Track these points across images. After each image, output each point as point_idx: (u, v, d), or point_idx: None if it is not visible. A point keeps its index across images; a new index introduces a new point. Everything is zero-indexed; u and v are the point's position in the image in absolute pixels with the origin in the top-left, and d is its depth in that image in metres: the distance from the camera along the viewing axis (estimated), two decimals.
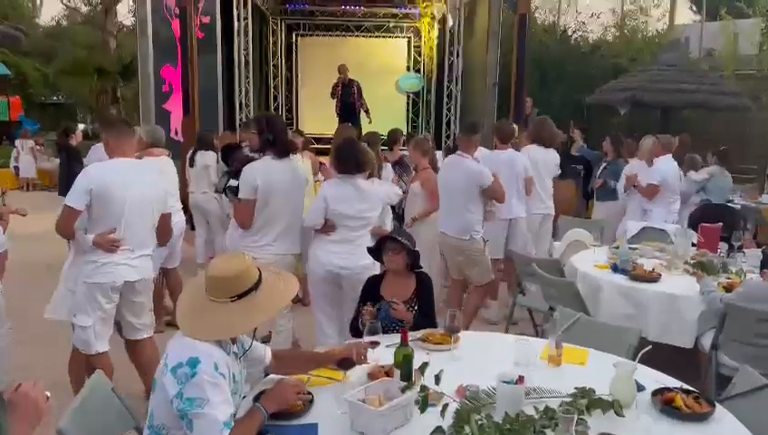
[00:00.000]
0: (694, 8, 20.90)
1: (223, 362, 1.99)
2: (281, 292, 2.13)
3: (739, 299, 3.39)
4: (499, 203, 5.01)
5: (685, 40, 14.07)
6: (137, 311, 3.56)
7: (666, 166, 6.01)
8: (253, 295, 2.05)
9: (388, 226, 4.48)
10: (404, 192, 5.39)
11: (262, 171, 3.88)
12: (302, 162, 4.74)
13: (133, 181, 3.36)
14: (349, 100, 11.57)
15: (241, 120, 11.34)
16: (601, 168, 6.87)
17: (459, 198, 4.80)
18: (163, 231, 3.60)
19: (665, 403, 2.19)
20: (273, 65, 14.35)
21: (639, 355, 2.37)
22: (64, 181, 8.61)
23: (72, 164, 8.58)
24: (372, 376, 2.40)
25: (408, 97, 14.84)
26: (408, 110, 14.92)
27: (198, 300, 2.07)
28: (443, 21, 13.40)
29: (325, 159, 6.39)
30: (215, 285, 2.05)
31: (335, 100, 11.71)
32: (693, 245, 4.74)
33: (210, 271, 2.07)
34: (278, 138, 3.94)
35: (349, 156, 3.91)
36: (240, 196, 3.91)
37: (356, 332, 3.04)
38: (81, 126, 17.71)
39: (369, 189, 3.96)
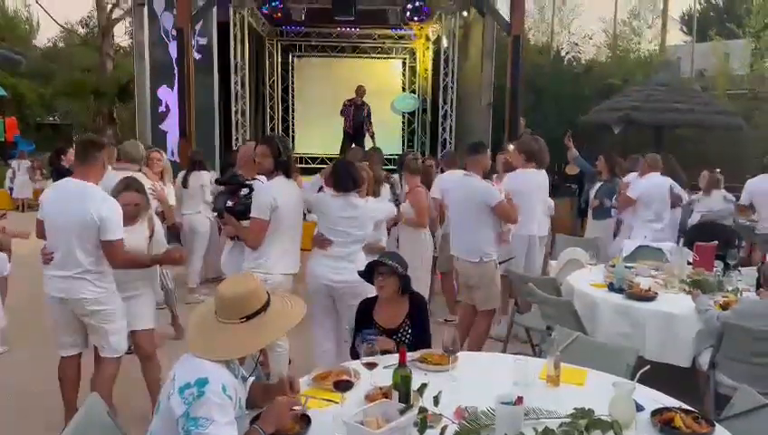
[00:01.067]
0: (684, 29, 21.23)
1: (231, 385, 1.99)
2: (289, 313, 2.15)
3: (735, 317, 3.39)
4: (511, 224, 4.92)
5: (676, 60, 14.24)
6: (90, 328, 3.61)
7: (647, 183, 6.11)
8: (261, 316, 2.07)
9: (384, 241, 4.49)
10: None
11: (279, 192, 3.88)
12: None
13: (58, 204, 3.50)
14: (361, 121, 11.73)
15: (237, 139, 11.39)
16: (597, 187, 6.91)
17: (468, 219, 4.69)
18: (109, 258, 3.48)
19: (664, 423, 2.19)
20: (270, 86, 14.45)
21: (638, 375, 2.36)
22: None
23: None
24: (370, 398, 2.39)
25: (404, 117, 14.94)
26: (403, 129, 15.02)
27: (208, 322, 2.09)
28: (438, 42, 13.54)
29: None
30: (224, 307, 2.07)
31: (345, 117, 11.82)
32: (689, 263, 4.76)
33: (220, 292, 2.10)
34: (289, 159, 4.03)
35: (344, 174, 4.02)
36: (254, 215, 3.88)
37: (355, 356, 3.02)
38: None
39: (362, 207, 4.05)
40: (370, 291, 3.79)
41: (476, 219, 4.64)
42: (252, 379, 2.33)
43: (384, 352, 2.76)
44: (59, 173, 8.76)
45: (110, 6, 21.13)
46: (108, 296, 3.54)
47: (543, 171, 5.77)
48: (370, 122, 11.94)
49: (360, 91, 11.82)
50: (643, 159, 6.38)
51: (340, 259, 3.97)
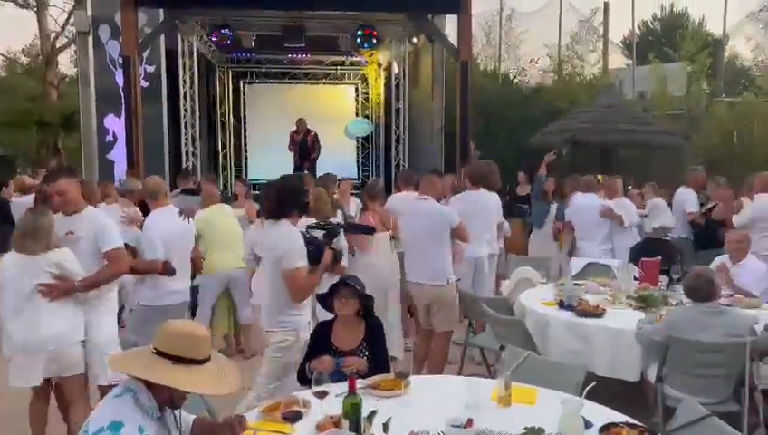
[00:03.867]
0: (626, 53, 22.09)
1: (149, 426, 1.92)
2: (205, 381, 2.03)
3: (667, 328, 3.49)
4: (465, 243, 4.95)
5: (618, 83, 14.79)
6: None
7: (576, 203, 6.37)
8: (189, 367, 1.99)
9: (343, 262, 4.42)
10: None
11: None
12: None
13: None
14: (306, 151, 11.65)
15: (187, 167, 11.20)
16: (555, 210, 7.14)
17: (429, 243, 4.67)
18: None
19: None
20: (221, 113, 14.32)
21: (585, 392, 2.39)
22: None
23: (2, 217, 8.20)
24: (321, 427, 2.35)
25: (358, 141, 15.01)
26: (357, 154, 15.07)
27: (142, 350, 2.06)
28: (389, 68, 13.72)
29: None
30: (161, 338, 2.02)
31: (293, 152, 11.74)
32: (635, 279, 4.88)
33: (166, 325, 2.07)
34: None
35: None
36: None
37: (303, 380, 2.98)
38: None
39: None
40: None
41: (438, 243, 4.67)
42: (193, 417, 2.25)
43: (356, 372, 2.81)
44: None
45: (53, 35, 20.67)
46: None
47: (485, 192, 5.82)
48: (313, 152, 11.78)
49: (302, 124, 11.71)
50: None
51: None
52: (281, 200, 3.57)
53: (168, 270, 4.19)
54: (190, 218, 4.65)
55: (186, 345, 2.00)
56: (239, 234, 5.47)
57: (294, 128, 11.87)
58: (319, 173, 10.46)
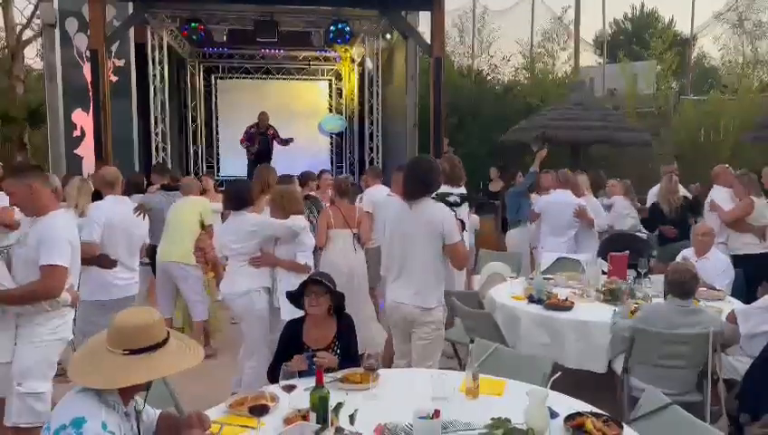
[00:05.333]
0: (597, 51, 22.42)
1: (113, 422, 1.87)
2: (176, 360, 1.98)
3: (640, 323, 3.55)
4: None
5: (589, 81, 14.98)
6: None
7: (547, 199, 6.47)
8: (147, 356, 1.92)
9: (302, 259, 4.35)
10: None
11: None
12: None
13: None
14: (265, 147, 11.43)
15: (165, 163, 11.03)
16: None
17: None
18: None
19: (576, 428, 2.25)
20: (192, 108, 14.13)
21: (550, 382, 2.42)
22: None
23: None
24: (289, 421, 2.35)
25: (332, 138, 14.96)
26: (331, 150, 15.03)
27: (97, 346, 1.97)
28: (363, 64, 13.69)
29: None
30: (113, 334, 1.95)
31: (249, 144, 11.46)
32: (603, 273, 4.95)
33: (116, 318, 1.98)
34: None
35: (230, 193, 4.45)
36: None
37: (273, 378, 2.96)
38: None
39: (241, 223, 4.26)
40: (254, 308, 4.16)
41: None
42: (158, 412, 2.22)
43: (328, 370, 2.78)
44: None
45: (19, 27, 20.15)
46: None
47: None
48: (282, 140, 11.54)
49: (264, 118, 11.39)
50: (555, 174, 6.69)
51: (230, 272, 4.33)
52: (425, 180, 3.61)
53: (106, 263, 4.03)
54: (144, 215, 4.60)
55: (138, 338, 1.92)
56: (191, 230, 5.47)
57: (255, 122, 11.55)
58: (278, 170, 10.27)
